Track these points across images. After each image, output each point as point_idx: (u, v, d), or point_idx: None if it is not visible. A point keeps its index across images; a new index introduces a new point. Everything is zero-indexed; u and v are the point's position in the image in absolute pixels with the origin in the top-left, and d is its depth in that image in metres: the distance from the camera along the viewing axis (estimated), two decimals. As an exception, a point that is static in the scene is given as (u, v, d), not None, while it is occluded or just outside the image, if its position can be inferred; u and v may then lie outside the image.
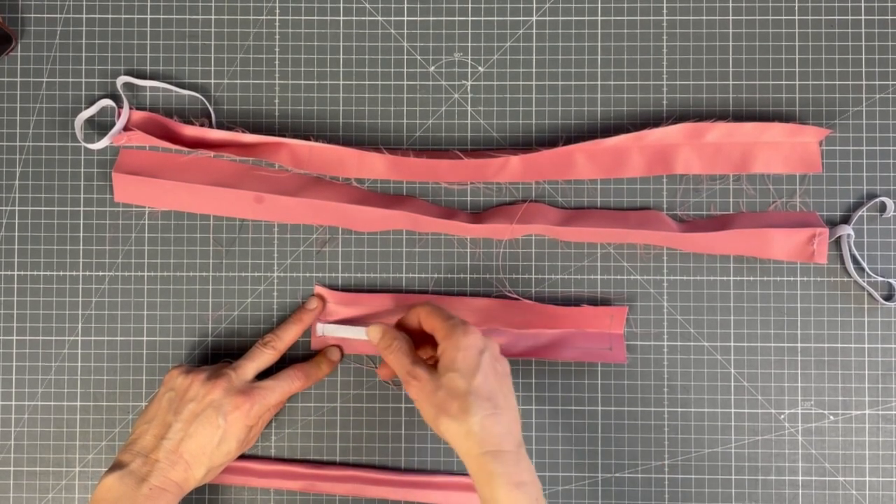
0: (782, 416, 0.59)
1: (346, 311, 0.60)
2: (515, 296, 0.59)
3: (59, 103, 0.61)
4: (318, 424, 0.60)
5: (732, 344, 0.59)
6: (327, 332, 0.59)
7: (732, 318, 0.59)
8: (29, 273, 0.60)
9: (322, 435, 0.60)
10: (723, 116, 0.60)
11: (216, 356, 0.60)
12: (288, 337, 0.58)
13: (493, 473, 0.47)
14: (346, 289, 0.60)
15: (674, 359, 0.59)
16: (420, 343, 0.55)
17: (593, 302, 0.60)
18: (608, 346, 0.59)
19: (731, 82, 0.60)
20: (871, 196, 0.59)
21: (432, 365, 0.51)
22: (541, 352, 0.59)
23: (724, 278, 0.59)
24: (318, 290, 0.60)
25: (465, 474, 0.59)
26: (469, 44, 0.60)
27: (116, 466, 0.52)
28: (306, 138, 0.60)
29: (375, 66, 0.60)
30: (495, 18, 0.60)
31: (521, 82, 0.60)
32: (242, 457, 0.59)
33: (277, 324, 0.59)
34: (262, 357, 0.56)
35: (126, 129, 0.60)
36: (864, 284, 0.59)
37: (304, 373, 0.57)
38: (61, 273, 0.60)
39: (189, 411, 0.53)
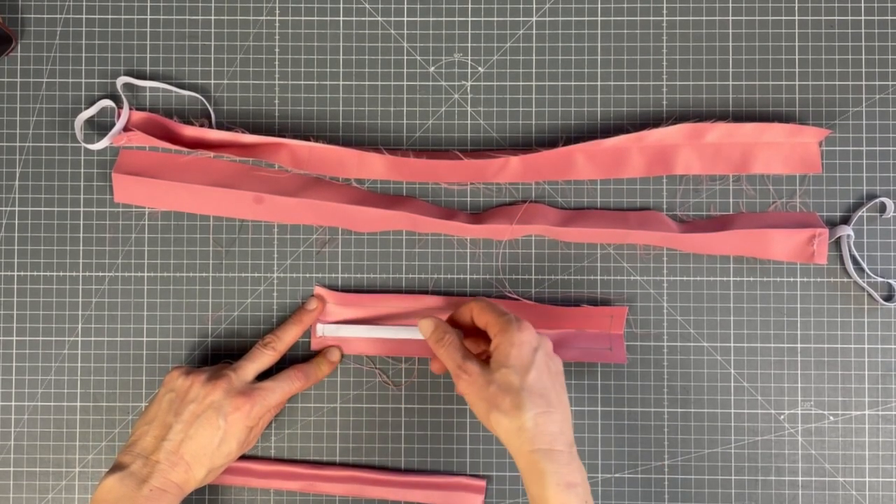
0: (782, 417, 0.59)
1: (346, 311, 0.60)
2: (515, 296, 0.59)
3: (59, 103, 0.60)
4: (317, 425, 0.60)
5: (732, 344, 0.59)
6: (327, 332, 0.59)
7: (732, 318, 0.59)
8: (29, 273, 0.60)
9: (322, 435, 0.60)
10: (723, 117, 0.59)
11: (216, 356, 0.60)
12: (288, 338, 0.58)
13: (543, 472, 0.47)
14: (346, 289, 0.60)
15: (674, 359, 0.59)
16: (470, 340, 0.55)
17: (593, 302, 0.60)
18: (608, 346, 0.59)
19: (731, 82, 0.60)
20: (871, 196, 0.59)
21: (484, 360, 0.51)
22: (541, 352, 0.59)
23: (724, 279, 0.59)
24: (318, 290, 0.60)
25: (466, 475, 0.59)
26: (469, 44, 0.60)
27: (117, 468, 0.52)
28: (306, 138, 0.60)
29: (375, 66, 0.60)
30: (495, 19, 0.60)
31: (521, 82, 0.60)
32: (242, 457, 0.59)
33: (277, 324, 0.59)
34: (263, 358, 0.56)
35: (126, 129, 0.60)
36: (864, 285, 0.59)
37: (303, 373, 0.57)
38: (61, 273, 0.60)
39: (189, 412, 0.53)
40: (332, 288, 0.60)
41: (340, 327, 0.59)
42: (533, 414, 0.48)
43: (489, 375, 0.49)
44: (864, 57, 0.60)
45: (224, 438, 0.53)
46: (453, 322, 0.55)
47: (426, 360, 0.60)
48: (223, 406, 0.53)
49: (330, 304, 0.59)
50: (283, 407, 0.59)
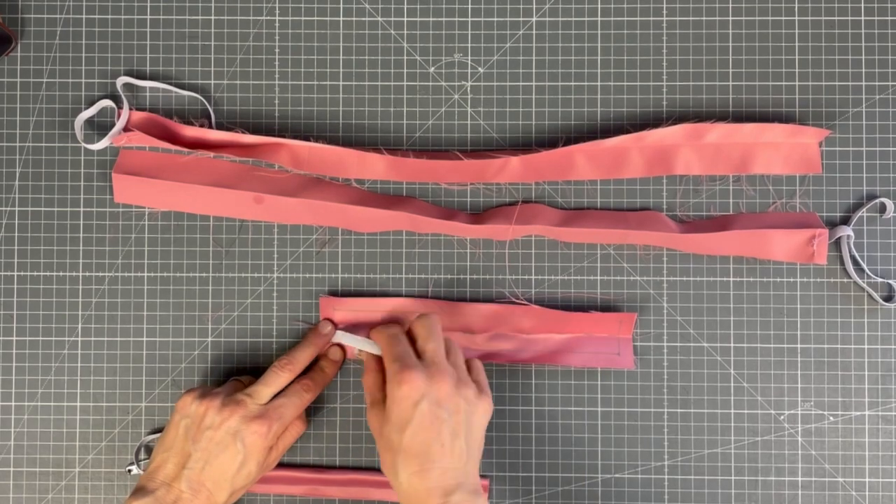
0: (782, 417, 0.59)
1: (354, 316, 0.59)
2: (524, 301, 0.59)
3: (59, 103, 0.60)
4: (318, 426, 0.60)
5: (732, 345, 0.59)
6: (345, 341, 0.58)
7: (732, 318, 0.59)
8: (29, 273, 0.60)
9: (322, 436, 0.60)
10: (723, 117, 0.59)
11: (216, 357, 0.60)
12: (303, 358, 0.57)
13: None
14: (345, 292, 0.60)
15: (674, 360, 0.59)
16: None
17: (593, 303, 0.60)
18: (616, 350, 0.59)
19: (731, 82, 0.60)
20: (871, 197, 0.59)
21: None
22: (549, 357, 0.59)
23: (724, 279, 0.59)
24: (324, 303, 0.59)
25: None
26: (469, 44, 0.60)
27: (140, 491, 0.52)
28: (306, 138, 0.60)
29: (375, 67, 0.60)
30: (495, 19, 0.60)
31: (521, 83, 0.60)
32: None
33: (277, 324, 0.60)
34: (278, 380, 0.56)
35: (126, 129, 0.60)
36: (864, 285, 0.59)
37: (311, 381, 0.57)
38: (61, 273, 0.60)
39: (207, 439, 0.53)
40: (333, 293, 0.60)
41: (355, 337, 0.58)
42: (407, 475, 0.50)
43: (381, 429, 0.52)
44: (864, 57, 0.60)
45: (244, 462, 0.53)
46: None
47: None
48: (241, 431, 0.53)
49: (338, 312, 0.59)
50: (307, 425, 0.58)
